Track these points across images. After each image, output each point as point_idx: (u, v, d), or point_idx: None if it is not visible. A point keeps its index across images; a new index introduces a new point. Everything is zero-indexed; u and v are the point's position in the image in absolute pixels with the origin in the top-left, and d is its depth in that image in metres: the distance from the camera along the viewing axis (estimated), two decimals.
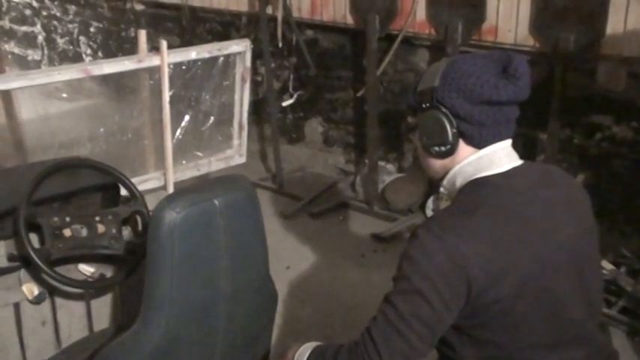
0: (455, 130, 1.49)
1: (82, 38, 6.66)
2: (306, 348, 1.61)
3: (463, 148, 1.51)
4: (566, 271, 1.47)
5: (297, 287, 3.34)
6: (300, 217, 4.13)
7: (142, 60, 2.86)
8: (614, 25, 3.07)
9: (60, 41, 6.94)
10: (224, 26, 5.14)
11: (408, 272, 1.41)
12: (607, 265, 3.16)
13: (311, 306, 3.21)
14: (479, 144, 1.49)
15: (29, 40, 7.27)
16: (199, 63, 3.10)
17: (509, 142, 1.52)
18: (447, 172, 1.56)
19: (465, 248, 1.36)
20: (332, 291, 3.35)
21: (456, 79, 1.47)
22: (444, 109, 1.48)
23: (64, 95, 4.73)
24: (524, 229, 1.43)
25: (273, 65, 4.76)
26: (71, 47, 6.82)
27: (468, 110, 1.46)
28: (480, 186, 1.49)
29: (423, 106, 1.53)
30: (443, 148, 1.52)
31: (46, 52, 7.17)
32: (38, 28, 7.14)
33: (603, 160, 3.44)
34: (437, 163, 1.57)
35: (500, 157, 1.49)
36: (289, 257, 3.60)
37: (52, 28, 6.97)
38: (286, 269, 3.49)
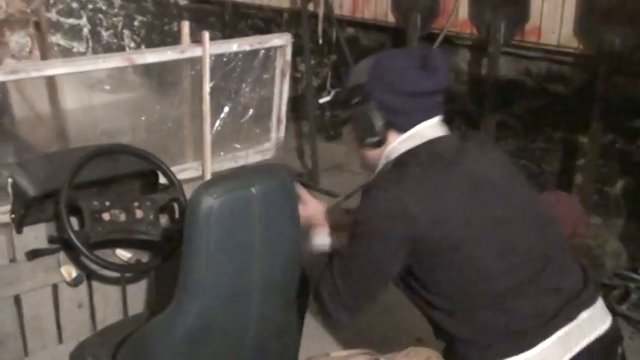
0: (384, 121, 1.66)
1: (125, 31, 6.78)
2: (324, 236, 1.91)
3: (392, 135, 1.69)
4: (503, 207, 1.63)
5: None
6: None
7: (185, 50, 2.90)
8: None
9: (104, 34, 7.07)
10: (266, 22, 5.18)
11: (360, 222, 1.64)
12: None
13: None
14: (406, 129, 1.67)
15: (75, 33, 7.42)
16: (240, 55, 3.13)
17: (434, 120, 1.69)
18: (381, 159, 1.72)
19: (405, 195, 1.55)
20: None
21: (381, 74, 1.65)
22: (372, 103, 1.66)
23: (107, 87, 4.82)
24: (455, 175, 1.61)
25: (312, 62, 4.77)
26: (115, 40, 6.94)
27: (394, 102, 1.64)
28: (409, 154, 1.67)
29: (353, 102, 1.70)
30: (375, 139, 1.69)
31: (90, 44, 7.31)
32: (84, 20, 7.28)
33: None
34: (371, 153, 1.74)
35: (426, 132, 1.67)
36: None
37: (98, 21, 7.10)
38: None
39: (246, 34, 5.22)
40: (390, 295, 3.24)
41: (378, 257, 1.64)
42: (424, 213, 1.55)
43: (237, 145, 3.32)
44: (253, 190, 1.65)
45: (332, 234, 1.92)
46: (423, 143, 1.67)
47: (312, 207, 2.00)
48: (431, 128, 1.69)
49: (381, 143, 1.70)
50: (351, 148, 1.84)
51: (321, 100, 4.65)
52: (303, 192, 2.01)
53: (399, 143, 1.68)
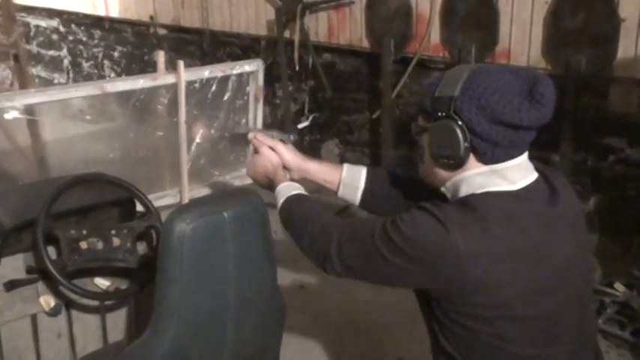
0: (467, 145, 1.43)
1: (106, 62, 6.83)
2: (290, 188, 1.77)
3: (472, 162, 1.47)
4: (560, 294, 1.47)
5: (309, 306, 3.37)
6: None
7: (157, 78, 2.94)
8: (626, 47, 3.10)
9: (85, 65, 7.12)
10: (244, 50, 5.24)
11: (397, 233, 1.43)
12: (620, 288, 3.15)
13: (322, 325, 3.23)
14: (489, 161, 1.45)
15: (55, 64, 7.47)
16: (212, 83, 3.17)
17: (523, 157, 1.47)
18: (449, 182, 1.53)
19: (464, 246, 1.36)
20: (344, 310, 3.36)
21: (478, 92, 1.41)
22: (460, 122, 1.42)
23: (88, 117, 4.86)
24: (526, 249, 1.41)
25: (290, 88, 4.84)
26: (96, 71, 6.99)
27: (486, 128, 1.40)
28: (490, 198, 1.44)
29: (439, 114, 1.46)
30: (452, 161, 1.47)
31: (71, 75, 7.36)
32: (64, 52, 7.34)
33: (617, 183, 3.44)
34: (442, 173, 1.53)
35: (514, 174, 1.45)
36: (303, 277, 3.63)
37: (78, 52, 7.15)
38: (300, 289, 3.52)
39: (225, 62, 5.28)
40: (371, 315, 3.28)
41: (384, 271, 1.49)
42: (475, 270, 1.38)
43: (215, 172, 3.36)
44: (226, 215, 1.69)
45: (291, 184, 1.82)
46: (507, 196, 1.44)
47: (264, 160, 1.89)
48: (518, 169, 1.46)
49: (457, 167, 1.47)
50: (419, 160, 1.62)
51: (300, 125, 4.71)
52: (259, 142, 1.90)
53: (477, 174, 1.46)
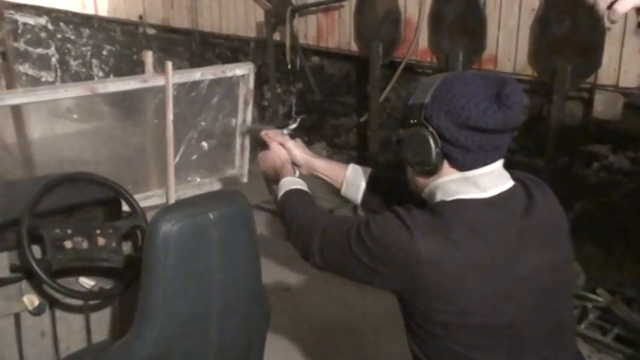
0: (439, 151, 1.45)
1: (94, 61, 6.81)
2: (291, 183, 1.83)
3: (447, 168, 1.48)
4: (526, 305, 1.46)
5: (294, 309, 3.37)
6: None
7: (147, 80, 2.94)
8: (611, 55, 3.14)
9: (73, 63, 7.09)
10: (233, 51, 5.25)
11: (367, 233, 1.47)
12: (602, 293, 3.18)
13: (307, 327, 3.23)
14: (462, 167, 1.46)
15: (43, 62, 7.43)
16: (203, 84, 3.18)
17: (496, 165, 1.48)
18: (427, 189, 1.55)
19: (425, 252, 1.38)
20: (329, 313, 3.37)
21: (446, 98, 1.42)
22: (430, 129, 1.44)
23: (75, 116, 4.85)
24: (489, 259, 1.41)
25: (279, 90, 4.85)
26: (84, 69, 6.96)
27: (454, 133, 1.42)
28: (460, 206, 1.46)
29: (411, 121, 1.49)
30: (426, 168, 1.49)
31: (59, 73, 7.32)
32: (52, 50, 7.31)
33: (601, 189, 3.48)
34: (420, 180, 1.55)
35: (485, 181, 1.46)
36: (288, 279, 3.63)
37: (66, 51, 7.12)
38: (285, 291, 3.53)
39: (213, 63, 5.28)
40: (355, 317, 3.28)
41: (356, 269, 1.52)
42: (435, 275, 1.40)
43: (202, 173, 3.36)
44: (211, 215, 1.69)
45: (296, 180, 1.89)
46: (476, 204, 1.45)
47: (274, 155, 1.98)
48: (491, 177, 1.47)
49: (432, 173, 1.49)
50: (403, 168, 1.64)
51: (289, 127, 4.70)
52: (269, 139, 2.01)
53: (450, 181, 1.47)
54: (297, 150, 1.99)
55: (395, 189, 1.88)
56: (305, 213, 1.72)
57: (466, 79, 1.45)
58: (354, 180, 1.93)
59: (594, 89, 3.27)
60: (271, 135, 2.02)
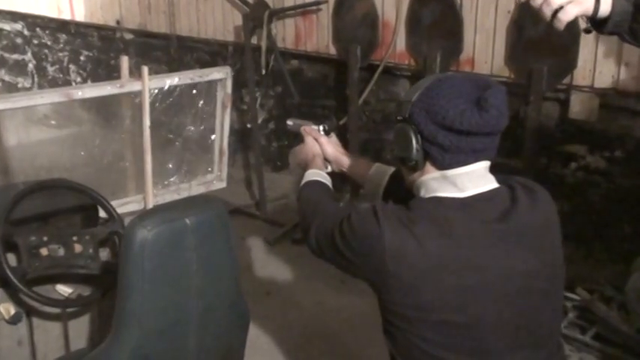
0: (419, 148, 1.50)
1: (71, 66, 6.75)
2: (314, 175, 1.91)
3: (429, 166, 1.52)
4: (495, 307, 1.46)
5: (276, 313, 3.36)
6: (283, 243, 4.15)
7: (124, 85, 2.92)
8: (585, 57, 3.17)
9: (50, 69, 7.03)
10: (211, 55, 5.23)
11: (345, 222, 1.53)
12: (581, 292, 3.21)
13: (289, 331, 3.23)
14: (441, 166, 1.49)
15: (20, 68, 7.36)
16: (180, 89, 3.17)
17: (477, 166, 1.48)
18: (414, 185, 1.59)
19: (390, 244, 1.43)
20: (311, 317, 3.37)
21: (429, 98, 1.47)
22: (413, 126, 1.49)
23: (53, 122, 4.80)
24: (454, 257, 1.43)
25: (258, 94, 4.84)
26: (61, 75, 6.90)
27: (432, 132, 1.46)
28: (434, 202, 1.50)
29: (398, 117, 1.55)
30: (410, 163, 1.53)
31: (36, 79, 7.25)
32: (29, 56, 7.24)
33: (579, 189, 3.51)
34: (408, 176, 1.60)
35: (463, 181, 1.48)
36: (270, 283, 3.63)
37: (43, 57, 7.06)
38: (267, 295, 3.52)
39: (192, 67, 5.26)
40: (337, 321, 3.28)
41: (340, 259, 1.59)
42: (398, 268, 1.44)
43: (180, 178, 3.35)
44: (187, 221, 1.69)
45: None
46: (450, 202, 1.48)
47: (307, 149, 2.06)
48: (470, 177, 1.48)
49: (415, 169, 1.54)
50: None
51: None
52: (306, 134, 2.09)
53: (432, 179, 1.52)
54: (329, 146, 2.06)
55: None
56: (314, 200, 1.80)
57: (454, 81, 1.50)
58: (375, 179, 1.98)
59: (570, 90, 3.30)
60: (308, 130, 2.10)
